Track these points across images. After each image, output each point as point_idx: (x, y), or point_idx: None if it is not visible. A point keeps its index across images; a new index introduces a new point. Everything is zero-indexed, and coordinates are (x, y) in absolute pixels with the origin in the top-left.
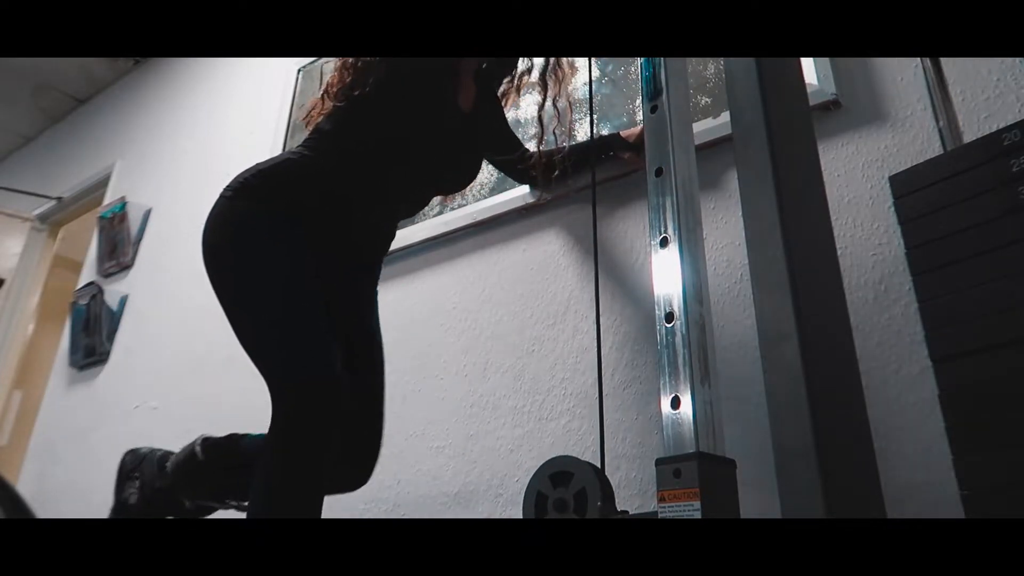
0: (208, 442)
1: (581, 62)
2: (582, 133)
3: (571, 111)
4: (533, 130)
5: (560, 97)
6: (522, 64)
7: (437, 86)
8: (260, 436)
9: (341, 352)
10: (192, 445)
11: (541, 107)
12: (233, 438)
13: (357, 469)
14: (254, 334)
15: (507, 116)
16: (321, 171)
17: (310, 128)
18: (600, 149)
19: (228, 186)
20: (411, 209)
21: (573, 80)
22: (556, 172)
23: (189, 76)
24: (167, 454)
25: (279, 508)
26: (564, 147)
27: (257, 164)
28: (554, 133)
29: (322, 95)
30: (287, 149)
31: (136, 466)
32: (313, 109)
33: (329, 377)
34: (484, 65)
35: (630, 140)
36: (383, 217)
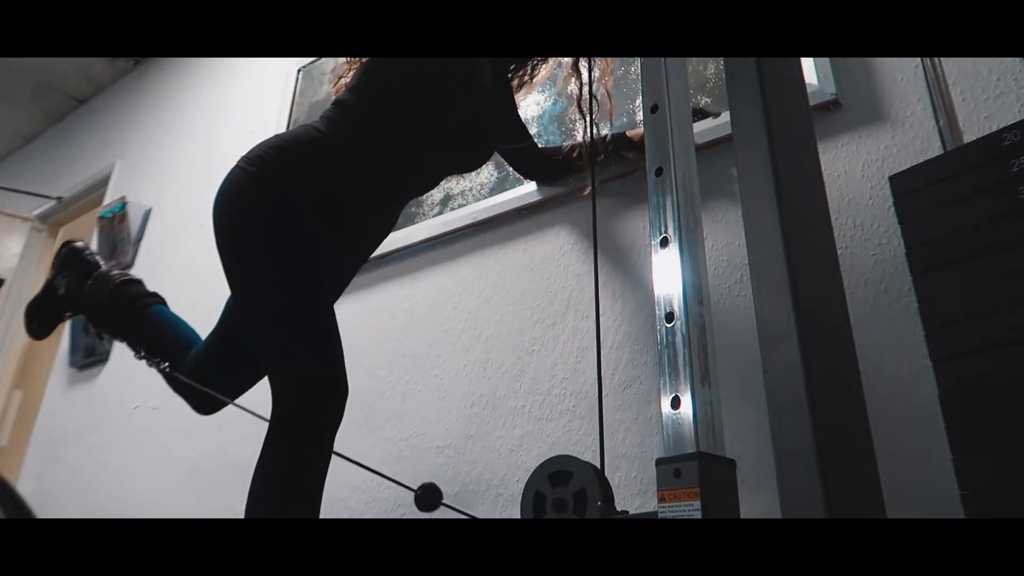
0: (123, 291)
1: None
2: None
3: (611, 98)
4: (533, 129)
5: (603, 80)
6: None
7: (461, 63)
8: (172, 316)
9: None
10: (111, 281)
11: (579, 97)
12: (145, 305)
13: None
14: (255, 324)
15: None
16: (339, 148)
17: (338, 94)
18: (605, 148)
19: (245, 156)
20: (423, 187)
21: (612, 65)
22: (601, 156)
23: (189, 76)
24: (96, 266)
25: (279, 502)
26: (577, 144)
27: (276, 136)
28: (585, 114)
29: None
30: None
31: (68, 264)
32: (341, 75)
33: (327, 371)
34: None
35: (635, 140)
36: (394, 196)
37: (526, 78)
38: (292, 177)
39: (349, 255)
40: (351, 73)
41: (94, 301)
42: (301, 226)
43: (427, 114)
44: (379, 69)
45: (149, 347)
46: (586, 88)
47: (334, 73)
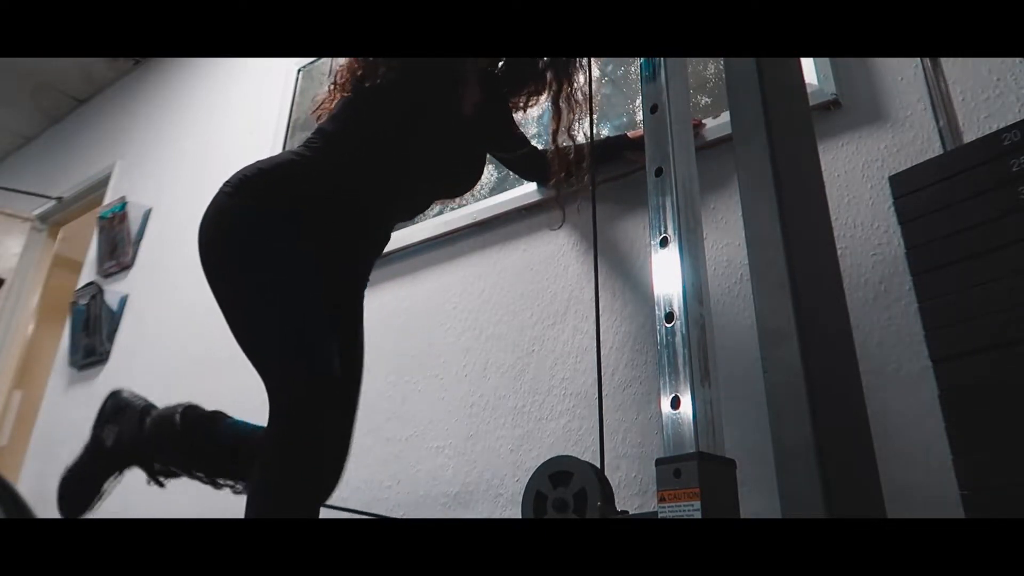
0: (189, 413)
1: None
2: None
3: (589, 135)
4: (533, 129)
5: (575, 124)
6: (533, 84)
7: (442, 88)
8: (243, 423)
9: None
10: (174, 411)
11: (556, 133)
12: (216, 417)
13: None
14: (250, 332)
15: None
16: (321, 171)
17: (320, 122)
18: (606, 151)
19: (228, 182)
20: (410, 212)
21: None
22: (584, 164)
23: (189, 76)
24: (149, 407)
25: (278, 504)
26: (569, 148)
27: (258, 161)
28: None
29: (330, 87)
30: (288, 149)
31: (117, 412)
32: (323, 103)
33: (326, 374)
34: (497, 68)
35: (636, 140)
36: (380, 218)
37: (520, 105)
38: (272, 199)
39: (336, 276)
40: (333, 104)
41: (163, 435)
42: (282, 244)
43: (411, 138)
44: (361, 95)
45: (229, 466)
46: (562, 130)
47: (313, 103)
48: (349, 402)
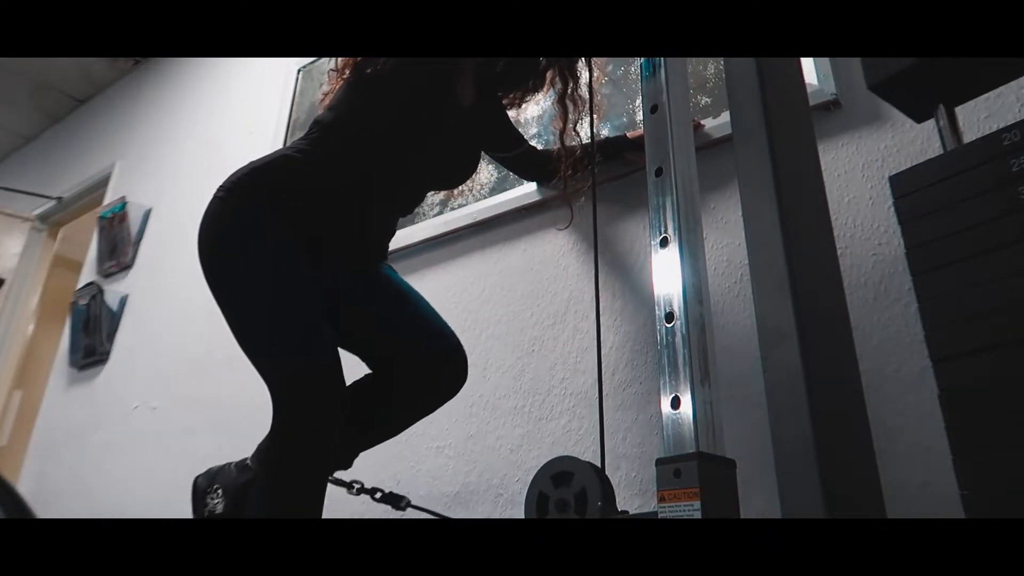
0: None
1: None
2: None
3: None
4: (534, 129)
5: (581, 122)
6: (531, 81)
7: (439, 78)
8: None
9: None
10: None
11: (563, 132)
12: None
13: (445, 374)
14: (249, 333)
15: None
16: (318, 166)
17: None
18: (606, 151)
19: (221, 186)
20: (406, 205)
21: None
22: (584, 166)
23: (189, 76)
24: (242, 459)
25: (280, 501)
26: (576, 146)
27: (251, 162)
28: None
29: (330, 71)
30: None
31: (211, 481)
32: (327, 92)
33: (322, 373)
34: (497, 66)
35: (636, 141)
36: (379, 210)
37: (516, 102)
38: (265, 199)
39: (344, 269)
40: (335, 89)
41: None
42: (275, 245)
43: (407, 128)
44: (358, 86)
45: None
46: (570, 124)
47: (321, 90)
48: (416, 318)
